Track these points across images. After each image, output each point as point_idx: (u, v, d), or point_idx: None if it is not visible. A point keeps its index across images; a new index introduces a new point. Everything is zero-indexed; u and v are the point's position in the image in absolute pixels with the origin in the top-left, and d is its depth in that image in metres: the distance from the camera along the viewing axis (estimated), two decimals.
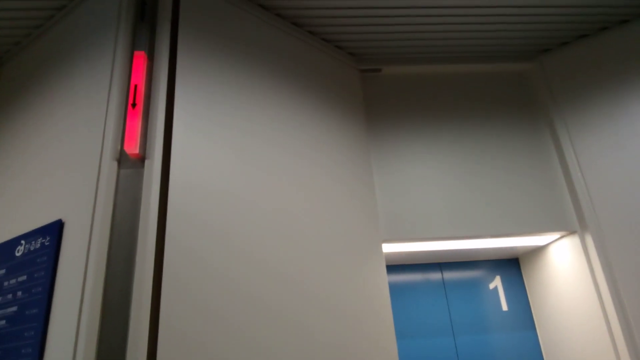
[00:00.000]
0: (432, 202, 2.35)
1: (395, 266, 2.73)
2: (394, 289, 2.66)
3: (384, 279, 2.10)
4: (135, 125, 1.61)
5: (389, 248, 2.39)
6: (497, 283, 2.75)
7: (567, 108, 2.52)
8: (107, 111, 1.66)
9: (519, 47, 2.65)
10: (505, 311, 2.67)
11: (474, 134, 2.55)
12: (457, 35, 2.50)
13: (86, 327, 1.30)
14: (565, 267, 2.43)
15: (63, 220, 1.55)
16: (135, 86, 1.67)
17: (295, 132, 2.06)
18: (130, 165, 1.58)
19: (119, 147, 1.60)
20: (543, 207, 2.39)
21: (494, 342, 2.58)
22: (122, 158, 1.59)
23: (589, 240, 2.26)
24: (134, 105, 1.64)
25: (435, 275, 2.75)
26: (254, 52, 2.08)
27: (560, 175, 2.48)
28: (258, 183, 1.81)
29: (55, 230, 1.53)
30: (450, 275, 2.76)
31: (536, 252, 2.68)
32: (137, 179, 1.55)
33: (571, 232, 2.37)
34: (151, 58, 1.79)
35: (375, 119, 2.55)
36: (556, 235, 2.42)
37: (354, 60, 2.62)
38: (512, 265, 2.82)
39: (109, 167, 1.54)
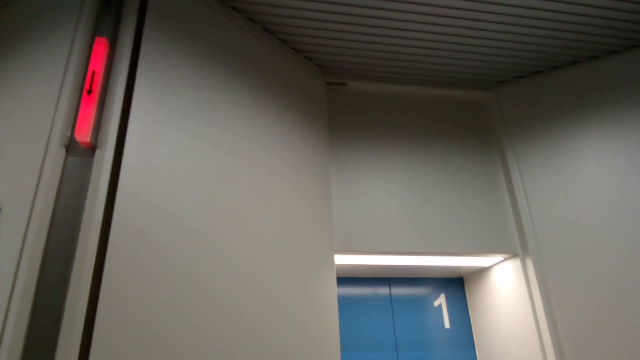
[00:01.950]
0: (385, 217, 2.39)
1: (346, 278, 2.75)
2: (343, 300, 2.67)
3: (333, 290, 2.11)
4: (88, 113, 1.54)
5: (341, 260, 2.40)
6: (441, 301, 2.82)
7: (517, 137, 2.65)
8: (59, 95, 1.59)
9: (478, 76, 2.78)
10: (447, 329, 2.74)
11: (430, 154, 2.63)
12: (421, 59, 2.59)
13: (15, 317, 1.22)
14: (506, 288, 2.53)
15: (0, 205, 1.46)
16: (93, 72, 1.61)
17: (256, 137, 2.05)
18: (79, 153, 1.51)
19: (68, 134, 1.53)
20: (490, 230, 2.49)
21: (435, 359, 2.64)
22: (71, 145, 1.52)
23: (529, 263, 2.38)
24: (89, 91, 1.58)
25: (383, 290, 2.79)
26: (221, 53, 2.06)
27: (507, 201, 2.60)
28: (213, 184, 1.78)
29: None
30: (397, 290, 2.80)
31: (480, 272, 2.78)
32: (85, 168, 1.49)
33: (513, 255, 2.48)
34: (113, 46, 1.73)
35: (338, 131, 2.58)
36: (500, 257, 2.53)
37: (321, 72, 2.65)
38: (456, 285, 2.90)
39: (56, 154, 1.47)
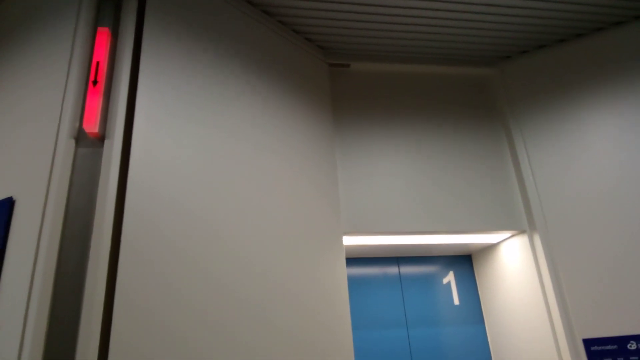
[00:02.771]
0: (392, 197, 2.41)
1: (355, 259, 2.78)
2: (353, 281, 2.71)
3: (343, 271, 2.14)
4: (95, 103, 1.56)
5: (349, 240, 2.43)
6: (450, 278, 2.85)
7: (522, 113, 2.64)
8: (66, 87, 1.60)
9: (482, 52, 2.75)
10: (456, 305, 2.77)
11: (436, 132, 2.63)
12: (424, 37, 2.57)
13: (36, 308, 1.26)
14: (514, 264, 2.55)
15: (14, 197, 1.48)
16: (97, 63, 1.62)
17: (260, 121, 2.06)
18: (88, 144, 1.53)
19: (77, 125, 1.54)
20: (496, 207, 2.50)
21: (445, 335, 2.68)
22: (80, 136, 1.53)
23: (537, 239, 2.39)
24: (95, 82, 1.59)
25: (393, 269, 2.82)
26: (222, 38, 2.05)
27: (513, 177, 2.60)
28: (220, 170, 1.80)
29: (5, 208, 1.46)
30: (406, 269, 2.84)
31: (488, 249, 2.80)
32: (95, 158, 1.51)
33: (521, 232, 2.50)
34: (115, 35, 1.73)
35: (342, 113, 2.58)
36: (507, 234, 2.54)
37: (324, 54, 2.63)
38: (465, 262, 2.93)
39: (66, 146, 1.49)
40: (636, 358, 2.01)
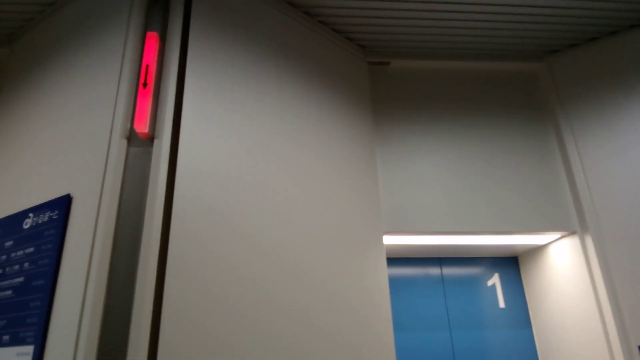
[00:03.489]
0: (435, 197, 2.37)
1: (396, 259, 2.76)
2: (394, 281, 2.69)
3: (383, 270, 2.12)
4: (145, 105, 1.63)
5: (390, 240, 2.41)
6: (495, 280, 2.77)
7: (572, 109, 2.53)
8: (118, 90, 1.68)
9: (528, 46, 2.66)
10: (502, 308, 2.69)
11: (480, 130, 2.56)
12: (467, 32, 2.51)
13: (92, 299, 1.33)
14: (564, 267, 2.45)
15: (71, 195, 1.57)
16: (147, 66, 1.69)
17: (302, 122, 2.08)
18: (139, 143, 1.60)
19: (128, 126, 1.62)
20: (544, 207, 2.40)
21: (490, 338, 2.61)
22: (131, 136, 1.61)
23: (589, 241, 2.28)
24: (145, 85, 1.66)
25: (435, 270, 2.77)
26: (265, 40, 2.09)
27: (562, 176, 2.49)
28: (263, 170, 1.83)
29: (63, 205, 1.55)
30: (449, 270, 2.78)
31: (536, 251, 2.70)
32: (145, 157, 1.57)
33: (571, 233, 2.39)
34: (163, 39, 1.80)
35: (382, 112, 2.56)
36: (556, 235, 2.44)
37: (363, 52, 2.63)
38: (511, 264, 2.84)
39: (119, 145, 1.56)
40: None
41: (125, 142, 1.58)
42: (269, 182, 1.83)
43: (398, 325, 2.57)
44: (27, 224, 1.63)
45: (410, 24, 2.44)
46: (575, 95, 2.55)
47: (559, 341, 2.45)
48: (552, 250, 2.55)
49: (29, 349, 1.36)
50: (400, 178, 2.40)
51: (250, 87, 1.94)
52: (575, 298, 2.34)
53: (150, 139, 1.61)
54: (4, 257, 1.64)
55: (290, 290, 1.71)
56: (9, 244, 1.65)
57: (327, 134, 2.17)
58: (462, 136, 2.54)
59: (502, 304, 2.70)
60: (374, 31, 2.48)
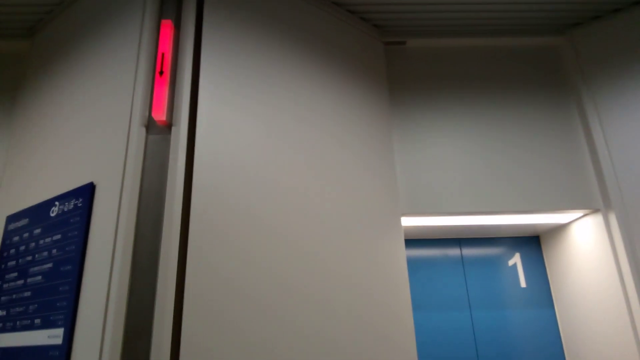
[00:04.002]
0: (453, 177, 2.35)
1: (415, 240, 2.76)
2: (414, 262, 2.69)
3: (402, 252, 2.13)
4: (162, 93, 1.65)
5: (408, 222, 2.40)
6: (516, 260, 2.74)
7: (596, 84, 2.45)
8: (135, 78, 1.70)
9: (549, 20, 2.58)
10: (523, 288, 2.67)
11: (500, 108, 2.51)
12: (484, 7, 2.44)
13: (117, 282, 1.37)
14: (587, 245, 2.41)
15: (95, 183, 1.62)
16: (163, 54, 1.71)
17: (318, 105, 2.08)
18: (157, 131, 1.62)
19: (147, 114, 1.64)
20: (567, 185, 2.36)
21: (511, 318, 2.60)
22: (150, 124, 1.63)
23: (613, 219, 2.23)
24: (161, 73, 1.68)
25: (454, 251, 2.76)
26: (279, 24, 2.08)
27: (585, 153, 2.43)
28: (281, 154, 1.84)
29: (87, 192, 1.60)
30: (469, 251, 2.77)
31: (558, 230, 2.66)
32: (164, 144, 1.60)
33: (594, 211, 2.34)
34: (178, 27, 1.81)
35: (399, 92, 2.53)
36: (579, 213, 2.39)
37: (379, 32, 2.59)
38: (532, 243, 2.81)
39: (138, 133, 1.59)
40: None
41: (144, 130, 1.61)
42: (287, 166, 1.84)
43: (418, 306, 2.58)
44: (54, 212, 1.68)
45: (426, 2, 2.39)
46: (599, 69, 2.47)
47: (582, 321, 2.42)
48: (574, 229, 2.51)
49: (59, 331, 1.42)
50: (418, 159, 2.38)
51: (265, 71, 1.94)
52: (599, 277, 2.31)
53: (168, 126, 1.63)
54: (33, 244, 1.70)
55: (308, 274, 1.73)
56: (37, 231, 1.71)
57: (343, 117, 2.16)
58: (481, 115, 2.50)
59: (523, 284, 2.68)
60: (389, 10, 2.44)
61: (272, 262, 1.64)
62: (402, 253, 2.13)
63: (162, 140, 1.60)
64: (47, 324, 1.48)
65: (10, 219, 1.87)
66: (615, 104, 2.37)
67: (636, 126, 2.28)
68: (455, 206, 2.29)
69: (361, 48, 2.44)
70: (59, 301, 1.49)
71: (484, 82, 2.58)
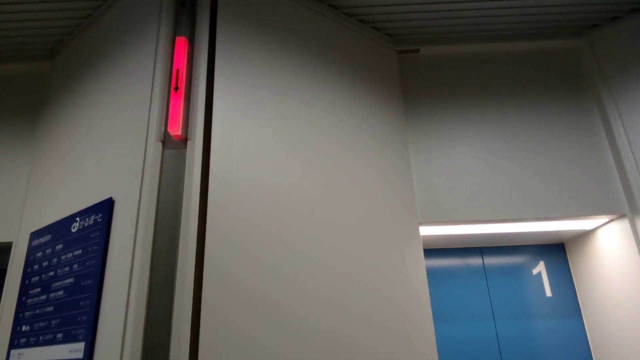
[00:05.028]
0: (471, 185, 2.31)
1: (435, 250, 2.71)
2: (435, 273, 2.64)
3: (421, 262, 2.09)
4: (177, 108, 1.67)
5: (428, 231, 2.37)
6: (540, 268, 2.67)
7: (617, 86, 2.39)
8: (151, 95, 1.74)
9: (566, 22, 2.53)
10: (549, 297, 2.59)
11: (517, 115, 2.47)
12: (499, 12, 2.42)
13: (136, 296, 1.38)
14: (613, 252, 2.32)
15: (113, 198, 1.64)
16: (177, 70, 1.74)
17: (332, 116, 2.08)
18: (173, 146, 1.65)
19: (163, 129, 1.67)
20: (590, 190, 2.29)
21: (537, 328, 2.52)
22: (166, 139, 1.66)
23: None
24: (176, 88, 1.71)
25: (476, 260, 2.70)
26: (291, 37, 2.10)
27: (609, 157, 2.36)
28: (295, 166, 1.84)
29: (106, 208, 1.62)
30: (491, 260, 2.70)
31: (583, 236, 2.58)
32: (180, 159, 1.62)
33: (620, 216, 2.27)
34: (192, 43, 1.84)
35: (413, 101, 2.52)
36: (604, 219, 2.32)
37: (391, 41, 2.59)
38: (557, 251, 2.73)
39: (154, 148, 1.62)
40: None
41: (160, 145, 1.64)
42: (302, 178, 1.84)
43: (441, 317, 2.52)
44: (75, 227, 1.72)
45: (439, 8, 2.38)
46: (619, 71, 2.41)
47: (611, 329, 2.33)
48: (600, 235, 2.43)
49: (81, 345, 1.43)
50: (435, 168, 2.35)
51: (279, 84, 1.95)
52: (627, 284, 2.22)
53: (184, 141, 1.65)
54: (55, 259, 1.73)
55: (327, 286, 1.72)
56: (59, 247, 1.75)
57: (358, 127, 2.16)
58: (499, 121, 2.46)
59: (549, 293, 2.60)
60: (401, 18, 2.44)
61: (289, 274, 1.63)
62: (422, 262, 2.09)
63: (178, 155, 1.63)
64: (68, 339, 1.50)
65: (34, 235, 1.92)
66: (636, 106, 2.30)
67: None
68: (474, 214, 2.25)
69: (374, 57, 2.44)
70: (80, 315, 1.51)
71: (501, 88, 2.55)
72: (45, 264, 1.77)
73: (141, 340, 1.34)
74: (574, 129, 2.43)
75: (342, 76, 2.22)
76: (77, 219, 1.72)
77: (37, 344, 1.60)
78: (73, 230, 1.72)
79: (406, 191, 2.21)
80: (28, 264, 1.87)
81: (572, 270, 2.67)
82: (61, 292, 1.63)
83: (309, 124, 1.97)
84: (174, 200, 1.55)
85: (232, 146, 1.70)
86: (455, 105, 2.51)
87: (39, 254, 1.83)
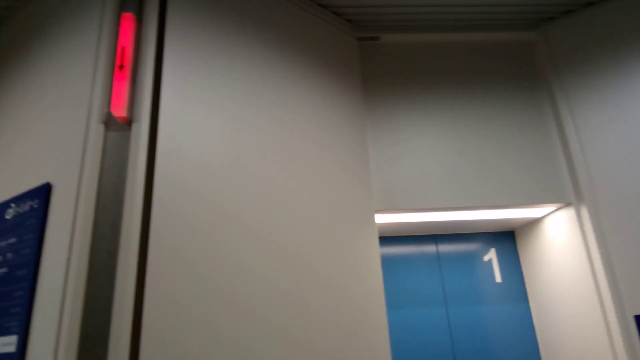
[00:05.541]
0: (428, 173, 2.33)
1: (392, 238, 2.74)
2: (390, 260, 2.67)
3: (376, 249, 2.10)
4: (122, 88, 1.58)
5: (383, 219, 2.38)
6: (491, 255, 2.75)
7: (569, 78, 2.46)
8: (94, 73, 1.64)
9: (522, 15, 2.58)
10: (498, 283, 2.68)
11: (473, 104, 2.50)
12: (458, 2, 2.43)
13: (73, 286, 1.31)
14: (560, 239, 2.42)
15: (51, 183, 1.55)
16: (123, 48, 1.64)
17: (288, 101, 2.03)
18: (117, 128, 1.56)
19: (106, 110, 1.58)
20: (540, 179, 2.36)
21: (487, 313, 2.60)
22: (109, 121, 1.57)
23: (584, 212, 2.25)
24: (121, 67, 1.61)
25: (431, 248, 2.75)
26: (248, 19, 2.03)
27: (558, 147, 2.44)
28: (248, 151, 1.79)
29: (43, 193, 1.53)
30: (445, 247, 2.76)
31: (532, 224, 2.67)
32: (124, 142, 1.54)
33: (567, 204, 2.35)
34: (140, 20, 1.74)
35: (373, 88, 2.51)
36: (552, 207, 2.40)
37: (352, 27, 2.55)
38: (507, 238, 2.81)
39: (96, 130, 1.53)
40: None
41: (102, 127, 1.55)
42: (255, 163, 1.79)
43: (394, 304, 2.56)
44: (10, 214, 1.61)
45: None
46: (571, 63, 2.48)
47: (556, 314, 2.44)
48: (548, 223, 2.52)
49: (13, 339, 1.35)
50: (393, 155, 2.36)
51: (233, 67, 1.88)
52: (572, 270, 2.32)
53: (129, 123, 1.57)
54: None
55: (278, 271, 1.69)
56: None
57: (315, 113, 2.12)
58: (455, 110, 2.49)
59: (498, 279, 2.69)
60: (362, 4, 2.41)
61: (241, 260, 1.59)
62: (376, 250, 2.10)
63: (122, 138, 1.54)
64: (0, 332, 1.41)
65: None
66: (586, 98, 2.38)
67: (607, 120, 2.29)
68: (430, 202, 2.28)
69: (334, 43, 2.40)
70: (14, 307, 1.42)
71: (459, 77, 2.57)
72: None
73: (78, 331, 1.27)
74: (527, 119, 2.49)
75: (301, 61, 2.17)
76: (12, 205, 1.61)
77: None
78: (7, 218, 1.61)
79: (363, 179, 2.21)
80: None
81: (520, 257, 2.76)
82: None
83: (263, 108, 1.91)
84: (116, 186, 1.47)
85: (182, 130, 1.62)
86: (414, 94, 2.51)
87: None
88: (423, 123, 2.44)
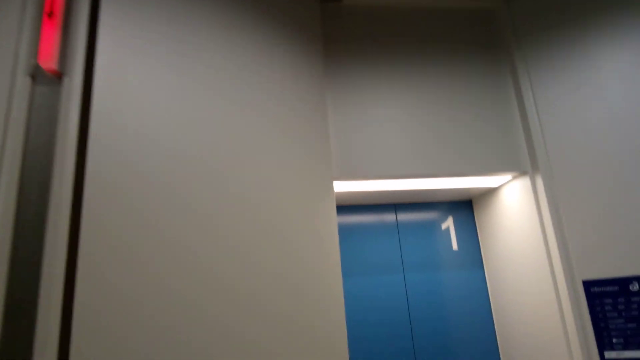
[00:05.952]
0: (388, 141, 2.28)
1: (351, 206, 2.70)
2: (349, 229, 2.64)
3: (333, 218, 2.05)
4: (52, 37, 1.43)
5: (343, 187, 2.33)
6: (449, 224, 2.77)
7: (528, 47, 2.44)
8: (21, 21, 1.46)
9: None
10: (455, 251, 2.71)
11: (435, 72, 2.46)
12: None
13: None
14: (515, 208, 2.45)
15: None
16: None
17: (243, 59, 1.91)
18: (46, 81, 1.41)
19: (33, 62, 1.42)
20: (498, 148, 2.36)
21: (443, 279, 2.64)
22: (37, 73, 1.41)
23: (539, 181, 2.27)
24: (50, 14, 1.45)
25: (390, 217, 2.74)
26: None
27: (517, 117, 2.44)
28: (197, 112, 1.68)
29: None
30: (404, 216, 2.76)
31: (489, 194, 2.69)
32: (54, 97, 1.39)
33: (522, 174, 2.38)
34: None
35: (334, 52, 2.41)
36: (508, 176, 2.42)
37: None
38: (465, 207, 2.84)
39: (22, 84, 1.37)
40: (638, 299, 1.94)
41: (29, 80, 1.39)
42: (202, 127, 1.68)
43: (352, 271, 2.55)
44: None
45: None
46: (532, 33, 2.46)
47: (509, 280, 2.49)
48: (504, 192, 2.55)
49: None
50: (353, 123, 2.29)
51: (179, 25, 1.74)
52: (525, 238, 2.36)
53: (59, 76, 1.42)
54: None
55: (230, 240, 1.62)
56: None
57: (271, 76, 2.01)
58: (417, 77, 2.43)
59: (455, 247, 2.72)
60: None
61: (183, 235, 1.51)
62: (334, 219, 2.05)
63: (52, 92, 1.40)
64: None
65: None
66: (545, 68, 2.38)
67: (564, 90, 2.30)
68: (390, 169, 2.24)
69: (293, 5, 2.28)
70: None
71: (421, 43, 2.51)
72: None
73: (3, 301, 1.17)
74: (488, 88, 2.48)
75: (257, 22, 2.04)
76: None
77: None
78: None
79: (322, 146, 2.14)
80: None
81: (477, 226, 2.80)
82: None
83: (215, 67, 1.79)
84: (45, 145, 1.34)
85: (119, 87, 1.49)
86: (376, 58, 2.44)
87: None
88: (384, 88, 2.38)
